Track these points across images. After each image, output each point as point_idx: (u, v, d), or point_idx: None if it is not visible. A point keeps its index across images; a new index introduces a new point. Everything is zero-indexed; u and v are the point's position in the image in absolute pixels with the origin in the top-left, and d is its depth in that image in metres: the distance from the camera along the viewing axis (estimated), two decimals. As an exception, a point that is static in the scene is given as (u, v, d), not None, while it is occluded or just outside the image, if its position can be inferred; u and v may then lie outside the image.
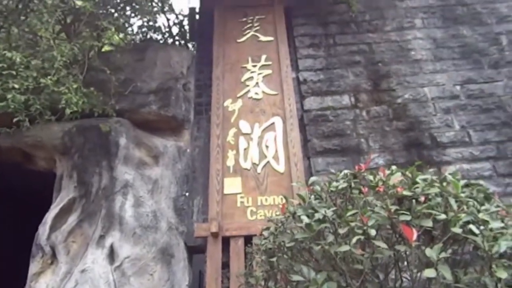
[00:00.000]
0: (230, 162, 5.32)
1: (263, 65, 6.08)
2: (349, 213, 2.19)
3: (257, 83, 5.92)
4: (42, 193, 5.92)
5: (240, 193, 5.09)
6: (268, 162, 5.28)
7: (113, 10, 6.22)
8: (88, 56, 5.52)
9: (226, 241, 4.74)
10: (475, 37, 6.28)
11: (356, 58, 6.21)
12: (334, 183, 2.62)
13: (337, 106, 5.73)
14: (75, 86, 5.01)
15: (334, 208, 2.34)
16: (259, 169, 5.23)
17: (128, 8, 6.34)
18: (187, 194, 5.64)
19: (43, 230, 5.08)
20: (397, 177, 2.39)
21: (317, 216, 2.31)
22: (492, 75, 5.87)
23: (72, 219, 5.13)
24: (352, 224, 2.10)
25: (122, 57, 6.01)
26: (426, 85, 5.85)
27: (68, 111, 4.86)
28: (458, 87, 5.79)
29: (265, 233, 3.02)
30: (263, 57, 6.15)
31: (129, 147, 5.58)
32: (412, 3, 6.79)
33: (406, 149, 5.34)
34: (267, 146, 5.39)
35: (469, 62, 6.02)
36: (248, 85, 5.91)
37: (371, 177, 2.50)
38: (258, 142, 5.42)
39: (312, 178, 2.95)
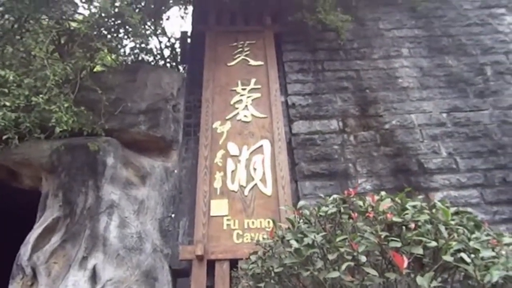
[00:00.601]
0: (218, 184, 5.30)
1: (252, 89, 6.15)
2: (338, 239, 2.18)
3: (246, 106, 5.97)
4: (26, 211, 5.79)
5: (226, 216, 5.07)
6: (255, 184, 5.28)
7: (106, 32, 6.24)
8: (80, 76, 5.52)
9: (211, 265, 4.69)
10: (460, 67, 6.44)
11: (344, 84, 6.31)
12: (323, 208, 2.62)
13: (325, 131, 5.78)
14: (66, 105, 4.99)
15: (324, 233, 2.33)
16: (246, 192, 5.22)
17: (121, 30, 6.38)
18: (173, 215, 5.57)
19: (25, 250, 4.93)
20: (386, 203, 2.39)
21: (307, 241, 2.30)
22: (478, 104, 6.00)
23: (55, 239, 5.00)
24: (342, 249, 2.09)
25: (114, 77, 6.00)
26: (413, 112, 5.95)
27: (58, 129, 4.82)
28: (444, 115, 5.90)
29: (253, 257, 2.99)
30: (253, 80, 6.23)
31: (117, 167, 5.51)
32: (399, 33, 6.97)
33: (393, 174, 5.38)
34: (255, 169, 5.39)
35: (455, 90, 6.16)
36: (237, 108, 5.96)
37: (360, 203, 2.50)
38: (246, 165, 5.43)
39: (301, 202, 2.96)
